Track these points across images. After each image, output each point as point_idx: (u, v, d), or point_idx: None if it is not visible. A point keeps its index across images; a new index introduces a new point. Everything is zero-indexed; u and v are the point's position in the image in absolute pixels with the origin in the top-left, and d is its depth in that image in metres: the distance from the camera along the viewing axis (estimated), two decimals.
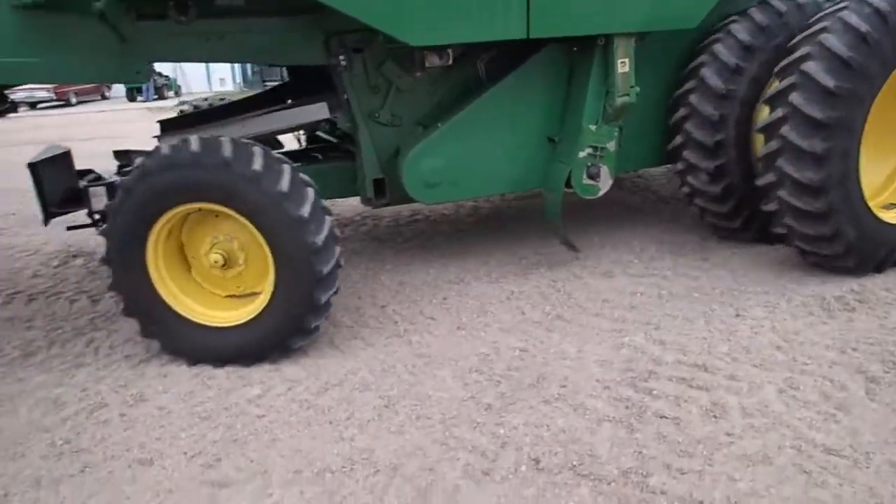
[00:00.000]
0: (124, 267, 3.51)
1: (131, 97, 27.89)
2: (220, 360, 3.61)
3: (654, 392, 3.17)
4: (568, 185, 4.53)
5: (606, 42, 4.29)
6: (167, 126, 5.02)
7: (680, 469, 2.64)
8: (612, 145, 4.54)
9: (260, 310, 3.56)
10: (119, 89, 28.73)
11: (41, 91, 23.32)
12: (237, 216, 3.45)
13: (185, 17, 3.63)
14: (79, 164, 4.49)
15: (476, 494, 2.57)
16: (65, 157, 4.44)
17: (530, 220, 6.04)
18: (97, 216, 4.13)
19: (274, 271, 3.49)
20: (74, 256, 5.79)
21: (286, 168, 3.48)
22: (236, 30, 4.05)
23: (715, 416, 2.96)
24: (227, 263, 3.66)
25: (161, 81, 28.84)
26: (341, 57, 4.25)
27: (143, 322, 3.64)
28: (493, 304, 4.29)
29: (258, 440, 2.98)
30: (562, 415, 3.04)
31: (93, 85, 26.36)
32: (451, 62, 4.33)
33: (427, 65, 4.29)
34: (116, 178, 4.18)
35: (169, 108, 22.35)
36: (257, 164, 3.37)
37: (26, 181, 10.32)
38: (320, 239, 3.44)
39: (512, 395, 3.22)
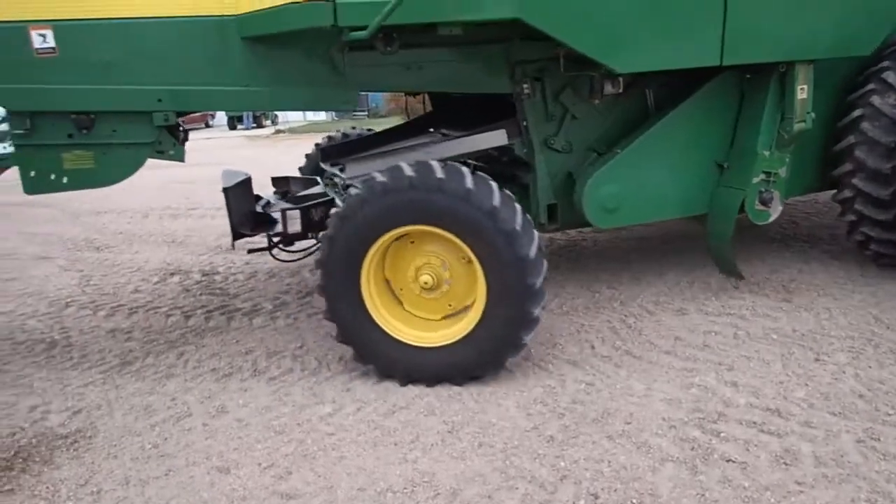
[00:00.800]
0: (340, 291, 3.64)
1: (232, 126, 29.45)
2: (433, 379, 3.69)
3: (723, 434, 3.10)
4: (741, 210, 4.55)
5: (786, 69, 4.34)
6: (329, 152, 5.36)
7: None
8: (783, 171, 4.55)
9: (471, 328, 3.62)
10: (221, 118, 30.36)
11: None
12: (450, 236, 3.54)
13: (391, 47, 3.83)
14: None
15: None
16: (247, 183, 4.74)
17: (604, 254, 6.01)
18: (278, 239, 4.43)
19: (486, 288, 3.55)
20: (172, 274, 6.23)
21: (495, 185, 3.57)
22: (435, 60, 4.29)
23: (786, 464, 2.86)
24: (434, 286, 3.77)
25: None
26: (525, 85, 4.42)
27: (357, 347, 3.76)
28: (562, 336, 4.30)
29: (327, 456, 3.12)
30: (624, 451, 3.02)
31: (200, 114, 28.12)
32: (621, 90, 4.47)
33: (604, 93, 4.46)
34: (298, 205, 4.45)
35: (265, 135, 23.56)
36: (468, 183, 3.48)
37: (137, 202, 11.09)
38: (532, 252, 3.52)
39: (575, 429, 3.23)
